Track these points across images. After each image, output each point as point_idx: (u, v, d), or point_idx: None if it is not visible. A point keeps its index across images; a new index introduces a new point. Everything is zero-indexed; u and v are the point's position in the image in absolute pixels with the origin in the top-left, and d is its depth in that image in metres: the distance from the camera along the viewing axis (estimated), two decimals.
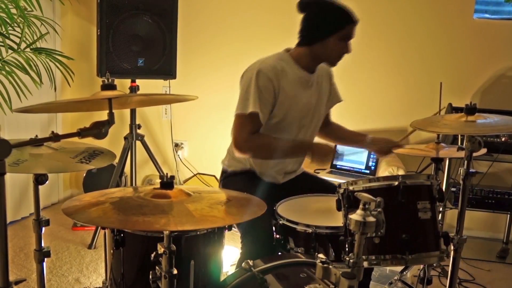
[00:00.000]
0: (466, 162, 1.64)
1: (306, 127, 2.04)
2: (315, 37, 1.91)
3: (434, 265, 2.54)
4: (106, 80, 1.22)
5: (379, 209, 1.21)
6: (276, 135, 1.94)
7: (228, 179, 2.11)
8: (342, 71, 3.48)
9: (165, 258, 1.24)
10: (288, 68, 1.94)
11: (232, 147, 1.97)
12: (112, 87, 1.22)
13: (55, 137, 1.10)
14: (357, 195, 1.19)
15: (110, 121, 1.18)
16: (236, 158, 2.08)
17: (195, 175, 3.73)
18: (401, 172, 3.01)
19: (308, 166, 3.14)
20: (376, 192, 1.37)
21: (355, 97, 3.53)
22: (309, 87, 2.01)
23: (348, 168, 3.30)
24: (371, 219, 1.15)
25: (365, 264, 1.35)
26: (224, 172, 2.16)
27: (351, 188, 1.40)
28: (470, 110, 1.65)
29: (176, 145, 3.73)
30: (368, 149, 2.28)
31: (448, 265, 1.76)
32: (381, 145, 2.09)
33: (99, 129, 1.15)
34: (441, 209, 2.60)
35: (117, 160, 3.07)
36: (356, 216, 1.15)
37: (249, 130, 1.85)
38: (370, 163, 3.27)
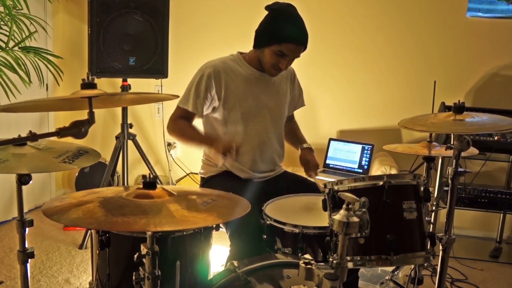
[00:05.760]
0: (454, 161, 1.63)
1: (258, 123, 2.09)
2: (257, 43, 2.02)
3: (425, 265, 2.54)
4: (86, 79, 1.21)
5: (363, 209, 1.20)
6: (225, 128, 2.06)
7: (208, 183, 2.13)
8: (336, 71, 3.49)
9: (148, 259, 1.22)
10: (237, 65, 2.07)
11: (203, 153, 2.19)
12: (92, 85, 1.20)
13: (32, 137, 1.08)
14: (341, 195, 1.17)
15: (90, 121, 1.16)
16: (211, 163, 2.15)
17: (187, 174, 3.72)
18: (393, 171, 2.99)
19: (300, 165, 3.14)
20: (362, 192, 1.36)
21: (348, 96, 3.52)
22: (260, 83, 2.09)
23: (341, 167, 3.29)
24: (355, 219, 1.14)
25: (350, 265, 1.34)
26: (202, 179, 2.21)
27: (336, 188, 1.39)
28: (458, 109, 1.64)
29: (169, 144, 3.72)
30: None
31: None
32: (304, 164, 2.19)
33: (78, 129, 1.13)
34: (434, 208, 2.59)
35: (108, 159, 3.06)
36: (339, 216, 1.14)
37: (179, 116, 2.06)
38: (363, 162, 3.26)
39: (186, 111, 2.03)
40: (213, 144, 1.95)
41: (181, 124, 2.05)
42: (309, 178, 2.20)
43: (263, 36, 1.97)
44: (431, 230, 2.32)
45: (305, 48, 1.97)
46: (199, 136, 2.05)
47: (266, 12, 2.00)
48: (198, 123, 2.12)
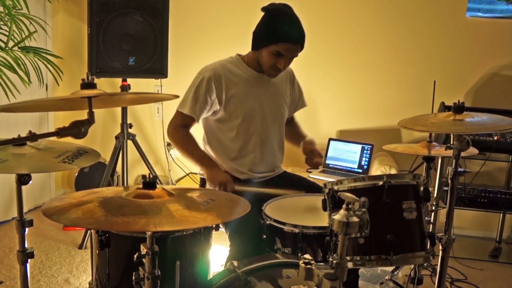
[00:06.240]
0: (454, 161, 1.63)
1: (259, 124, 2.09)
2: (254, 44, 2.01)
3: (425, 265, 2.54)
4: (86, 79, 1.20)
5: (363, 209, 1.20)
6: (226, 130, 2.07)
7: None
8: (335, 71, 3.49)
9: (148, 259, 1.22)
10: (236, 68, 2.07)
11: None
12: (91, 85, 1.20)
13: (32, 137, 1.08)
14: (341, 195, 1.17)
15: (90, 121, 1.16)
16: None
17: (187, 174, 3.72)
18: (393, 171, 2.99)
19: (300, 165, 3.14)
20: (361, 191, 1.35)
21: (348, 96, 3.52)
22: (260, 85, 2.09)
23: (340, 167, 3.29)
24: (355, 219, 1.14)
25: (350, 265, 1.34)
26: (202, 179, 2.21)
27: (336, 187, 1.38)
28: (458, 108, 1.64)
29: (169, 144, 3.71)
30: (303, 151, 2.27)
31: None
32: (307, 153, 2.17)
33: (78, 129, 1.13)
34: (433, 208, 2.59)
35: (108, 159, 3.05)
36: (339, 216, 1.14)
37: (179, 123, 2.07)
38: (363, 162, 3.26)
39: (186, 116, 2.03)
40: (209, 171, 2.00)
41: (181, 135, 2.07)
42: (310, 173, 2.19)
43: (260, 37, 1.97)
44: (431, 230, 2.32)
45: (302, 47, 1.96)
46: (198, 155, 2.07)
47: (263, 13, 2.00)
48: (198, 125, 2.12)
